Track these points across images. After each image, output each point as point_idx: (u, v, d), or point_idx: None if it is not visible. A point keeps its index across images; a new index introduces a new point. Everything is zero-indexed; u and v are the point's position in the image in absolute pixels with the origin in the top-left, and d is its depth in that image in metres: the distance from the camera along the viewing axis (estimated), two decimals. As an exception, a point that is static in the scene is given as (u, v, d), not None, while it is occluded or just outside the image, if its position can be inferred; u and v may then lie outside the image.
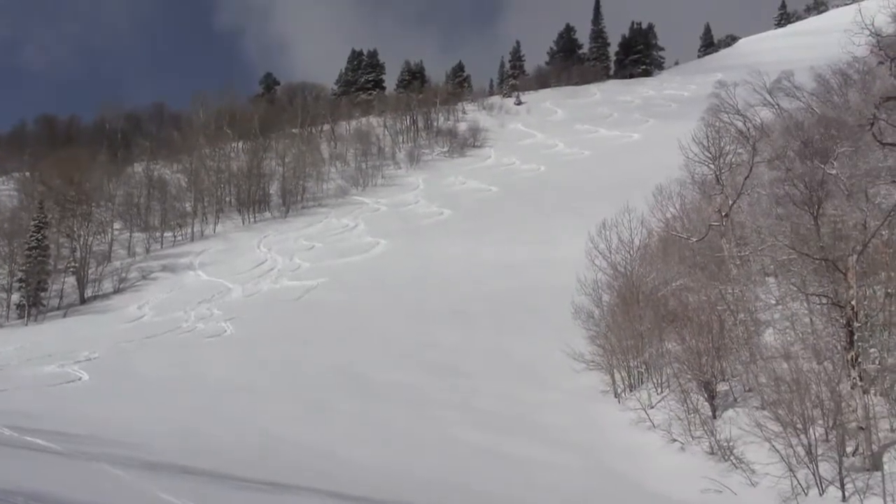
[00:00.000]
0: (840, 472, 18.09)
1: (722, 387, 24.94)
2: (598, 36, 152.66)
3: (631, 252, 33.44)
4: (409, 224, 74.93)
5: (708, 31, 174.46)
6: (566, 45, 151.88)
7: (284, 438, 25.08)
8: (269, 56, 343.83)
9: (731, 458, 21.36)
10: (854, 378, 19.17)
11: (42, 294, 63.75)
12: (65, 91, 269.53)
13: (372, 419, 28.20)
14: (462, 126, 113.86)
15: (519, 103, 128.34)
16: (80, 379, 37.09)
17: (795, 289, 24.68)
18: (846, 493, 17.95)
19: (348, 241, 71.75)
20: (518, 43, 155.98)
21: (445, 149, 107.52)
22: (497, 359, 36.13)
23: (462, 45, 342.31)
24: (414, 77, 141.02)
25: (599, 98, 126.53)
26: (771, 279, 30.03)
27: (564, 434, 26.41)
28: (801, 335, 24.00)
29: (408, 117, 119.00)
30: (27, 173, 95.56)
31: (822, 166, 25.25)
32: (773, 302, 27.86)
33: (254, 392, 32.36)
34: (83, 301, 65.23)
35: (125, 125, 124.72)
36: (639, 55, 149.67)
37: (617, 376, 29.91)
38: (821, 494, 18.38)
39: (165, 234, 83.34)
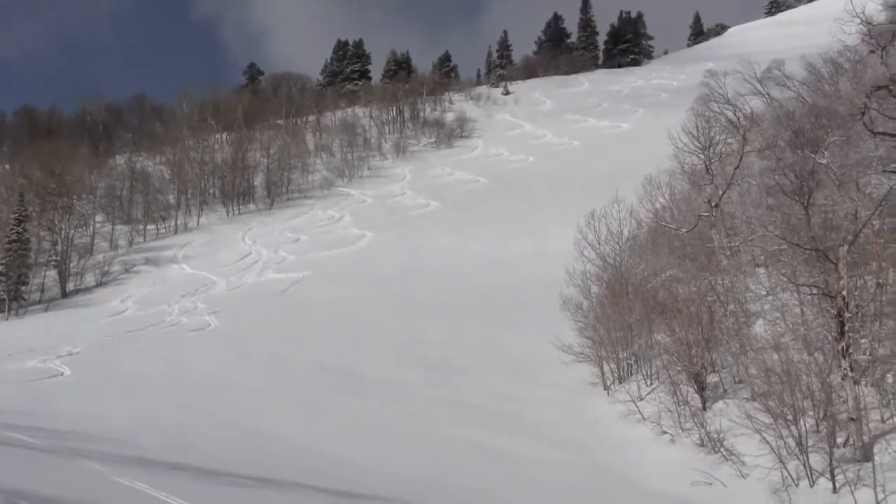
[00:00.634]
0: (831, 464, 17.94)
1: (712, 378, 24.81)
2: (587, 25, 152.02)
3: (620, 243, 33.27)
4: (396, 216, 74.57)
5: (697, 19, 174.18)
6: (554, 34, 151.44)
7: (272, 435, 24.88)
8: (251, 46, 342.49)
9: (722, 449, 21.23)
10: (845, 369, 19.02)
11: (23, 288, 63.31)
12: (43, 83, 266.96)
13: (360, 415, 27.97)
14: (449, 116, 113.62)
15: (507, 93, 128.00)
16: (62, 374, 36.79)
17: (786, 279, 24.52)
18: (837, 485, 17.80)
19: (334, 233, 71.48)
20: (505, 32, 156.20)
21: (432, 139, 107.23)
22: (486, 353, 35.93)
23: (448, 36, 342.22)
24: (400, 67, 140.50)
25: (588, 88, 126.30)
26: (761, 270, 29.90)
27: (554, 429, 26.28)
28: (791, 326, 23.88)
29: (394, 108, 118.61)
30: (7, 165, 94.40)
31: (813, 156, 25.12)
32: (764, 293, 27.72)
33: (240, 388, 32.13)
34: (65, 295, 64.71)
35: (106, 117, 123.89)
36: (628, 44, 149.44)
37: (606, 368, 29.78)
38: (811, 486, 18.25)
39: (148, 227, 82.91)
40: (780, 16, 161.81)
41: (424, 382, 32.36)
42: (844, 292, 19.46)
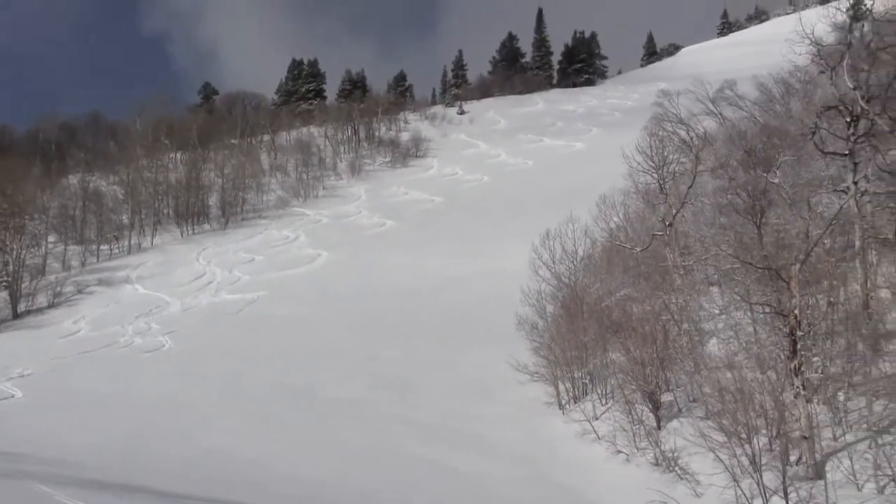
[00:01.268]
0: (784, 482, 17.99)
1: (666, 397, 24.94)
2: (541, 45, 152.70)
3: (575, 262, 33.43)
4: (352, 235, 74.16)
5: (651, 39, 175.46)
6: (509, 53, 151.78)
7: (229, 453, 24.74)
8: (202, 62, 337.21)
9: (676, 469, 21.31)
10: (797, 387, 19.19)
11: (-28, 309, 61.66)
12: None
13: (318, 432, 27.89)
14: (404, 136, 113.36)
15: (462, 113, 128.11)
16: (12, 396, 36.07)
17: (739, 298, 24.75)
18: (790, 503, 17.87)
19: (289, 253, 70.81)
20: (460, 52, 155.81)
21: (388, 159, 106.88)
22: (443, 371, 35.78)
23: (402, 55, 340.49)
24: (355, 86, 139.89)
25: (543, 107, 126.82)
26: (715, 289, 30.19)
27: (509, 447, 26.23)
28: (744, 344, 24.11)
29: (349, 127, 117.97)
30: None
31: (765, 175, 25.41)
32: (717, 311, 28.00)
33: (195, 407, 31.72)
34: (16, 316, 63.23)
35: (60, 135, 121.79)
36: (582, 64, 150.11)
37: (561, 388, 29.77)
38: (765, 504, 18.33)
39: (102, 247, 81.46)
40: (731, 36, 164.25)
41: (382, 400, 32.16)
42: (797, 311, 19.65)
